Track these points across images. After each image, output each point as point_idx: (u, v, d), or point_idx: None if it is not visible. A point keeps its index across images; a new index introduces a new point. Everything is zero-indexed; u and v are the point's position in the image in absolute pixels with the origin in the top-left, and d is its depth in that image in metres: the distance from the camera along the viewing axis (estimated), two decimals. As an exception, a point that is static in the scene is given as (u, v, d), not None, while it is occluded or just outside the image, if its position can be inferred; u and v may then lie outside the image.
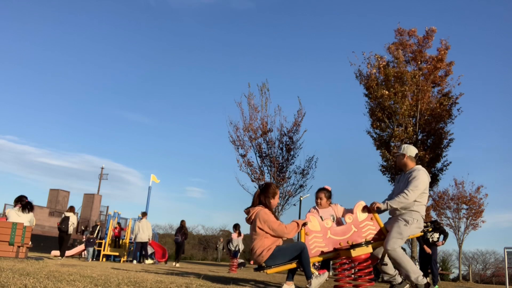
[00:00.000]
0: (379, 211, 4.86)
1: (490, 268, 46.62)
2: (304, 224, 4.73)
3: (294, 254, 4.51)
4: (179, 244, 16.26)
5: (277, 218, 4.71)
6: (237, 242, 13.62)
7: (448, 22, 57.71)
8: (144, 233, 15.44)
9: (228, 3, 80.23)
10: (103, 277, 4.48)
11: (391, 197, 5.06)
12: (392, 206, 4.77)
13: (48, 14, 69.83)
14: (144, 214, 16.12)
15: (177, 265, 15.03)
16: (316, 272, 4.63)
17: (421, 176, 4.85)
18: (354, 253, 4.49)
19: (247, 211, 4.77)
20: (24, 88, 69.45)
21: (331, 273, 9.51)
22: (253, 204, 4.81)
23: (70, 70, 72.48)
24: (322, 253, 4.74)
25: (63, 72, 71.52)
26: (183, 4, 79.67)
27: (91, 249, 15.52)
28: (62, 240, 14.07)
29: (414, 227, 4.76)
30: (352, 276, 4.68)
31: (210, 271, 10.01)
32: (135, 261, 15.14)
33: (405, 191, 4.75)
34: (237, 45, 79.33)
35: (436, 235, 10.01)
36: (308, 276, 4.47)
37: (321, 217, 5.30)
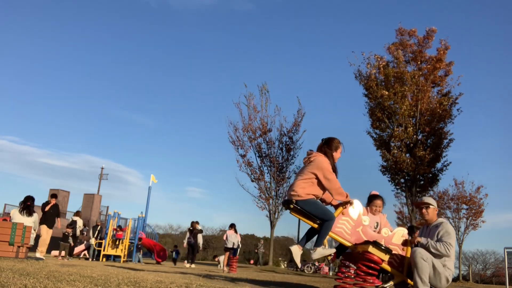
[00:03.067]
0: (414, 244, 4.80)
1: (490, 268, 46.68)
2: (348, 203, 4.68)
3: (323, 216, 4.53)
4: (193, 245, 16.39)
5: (336, 173, 4.68)
6: (233, 239, 13.24)
7: (448, 22, 57.77)
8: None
9: (228, 4, 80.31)
10: (103, 277, 4.48)
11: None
12: (432, 246, 4.68)
13: (48, 14, 69.89)
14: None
15: (192, 266, 15.37)
16: (326, 245, 4.63)
17: (452, 232, 4.83)
18: (372, 249, 4.40)
19: (310, 152, 4.78)
20: (24, 88, 69.51)
21: (331, 273, 9.50)
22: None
23: (71, 71, 72.53)
24: (342, 237, 4.69)
25: (63, 72, 71.57)
26: (184, 6, 79.74)
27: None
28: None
29: (446, 274, 4.69)
30: (352, 276, 4.65)
31: (210, 271, 10.01)
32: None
33: (448, 244, 4.68)
34: (238, 46, 79.41)
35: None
36: (318, 243, 4.52)
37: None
